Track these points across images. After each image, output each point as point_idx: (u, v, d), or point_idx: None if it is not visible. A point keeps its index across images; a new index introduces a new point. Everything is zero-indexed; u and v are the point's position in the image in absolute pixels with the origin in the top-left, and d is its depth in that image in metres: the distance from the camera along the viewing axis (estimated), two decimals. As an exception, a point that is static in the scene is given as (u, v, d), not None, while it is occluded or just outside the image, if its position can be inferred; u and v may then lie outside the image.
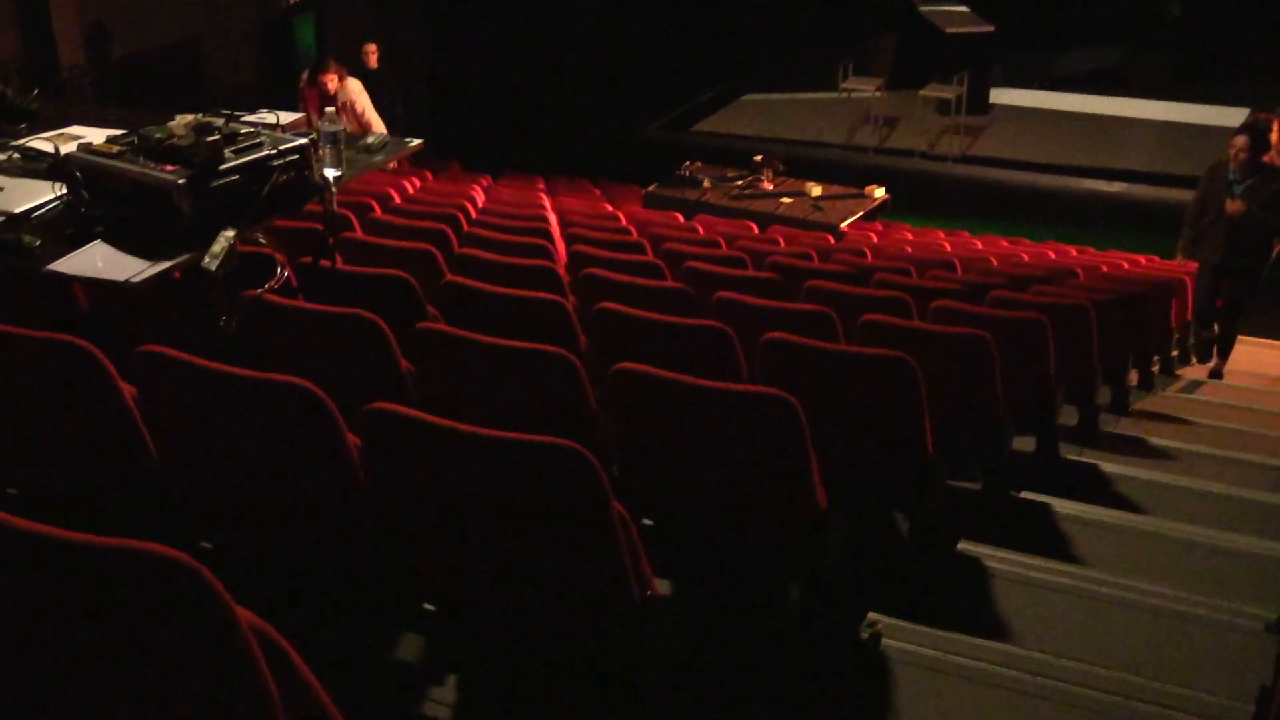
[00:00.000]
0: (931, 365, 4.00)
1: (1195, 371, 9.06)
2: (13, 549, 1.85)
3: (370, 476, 2.88)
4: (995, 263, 8.99)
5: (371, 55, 10.51)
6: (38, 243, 4.04)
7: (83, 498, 3.41)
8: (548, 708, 3.04)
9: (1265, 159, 8.42)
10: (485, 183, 11.43)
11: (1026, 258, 9.84)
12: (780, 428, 3.24)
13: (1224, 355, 8.99)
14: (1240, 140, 8.39)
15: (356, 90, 10.18)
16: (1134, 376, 7.89)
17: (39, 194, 4.36)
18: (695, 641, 3.34)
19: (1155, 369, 8.55)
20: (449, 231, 6.70)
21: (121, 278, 3.83)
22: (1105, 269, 9.45)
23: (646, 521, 3.58)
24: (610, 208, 10.35)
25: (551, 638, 2.98)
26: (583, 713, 3.00)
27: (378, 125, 9.98)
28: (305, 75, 10.28)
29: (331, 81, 9.93)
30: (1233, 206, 8.32)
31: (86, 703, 2.06)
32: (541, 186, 12.20)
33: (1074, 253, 10.68)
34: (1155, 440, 6.40)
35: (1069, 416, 6.21)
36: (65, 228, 4.16)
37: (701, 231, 9.12)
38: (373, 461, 2.84)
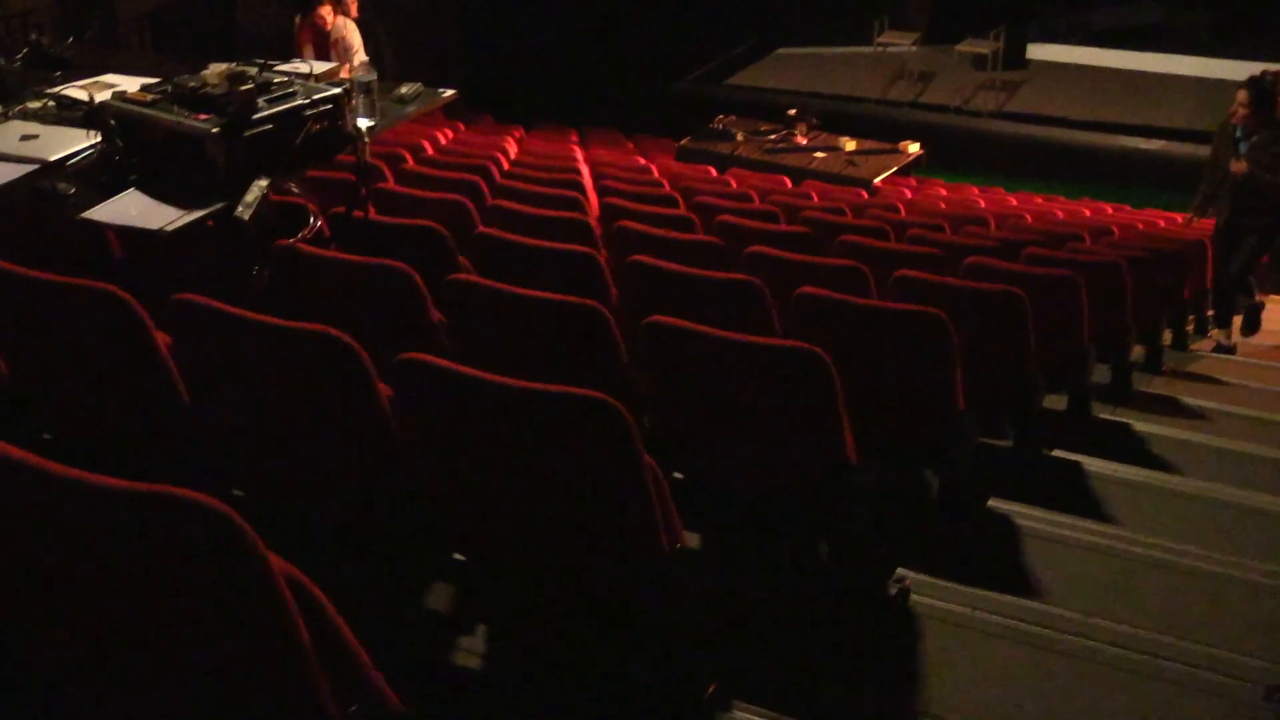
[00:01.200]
0: (964, 321, 3.98)
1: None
2: (48, 494, 1.86)
3: (401, 426, 2.88)
4: (1030, 220, 8.93)
5: (352, 4, 10.44)
6: (72, 190, 4.05)
7: (117, 444, 3.43)
8: (577, 658, 3.05)
9: None
10: (518, 134, 11.41)
11: (1061, 215, 9.76)
12: (811, 382, 3.23)
13: (1221, 323, 8.72)
14: (1241, 95, 8.02)
15: (350, 28, 10.13)
16: (1168, 336, 7.83)
17: (74, 142, 4.38)
18: (724, 595, 3.35)
19: (1190, 328, 8.49)
20: (481, 183, 6.68)
21: (155, 226, 3.84)
22: (1141, 227, 9.37)
23: (676, 475, 3.59)
24: (643, 161, 10.31)
25: (582, 588, 2.99)
26: (612, 663, 3.02)
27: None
28: (299, 18, 10.23)
29: (327, 15, 9.86)
30: (1236, 166, 8.04)
31: (121, 646, 2.08)
32: (574, 139, 12.16)
33: (1110, 210, 10.60)
34: (1188, 400, 6.36)
35: (1101, 375, 6.18)
36: (100, 176, 4.17)
37: (734, 185, 9.08)
38: (404, 411, 2.85)
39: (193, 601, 1.91)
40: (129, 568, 1.92)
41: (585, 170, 8.79)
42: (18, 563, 2.04)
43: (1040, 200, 10.93)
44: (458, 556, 3.25)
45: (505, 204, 5.98)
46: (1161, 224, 9.89)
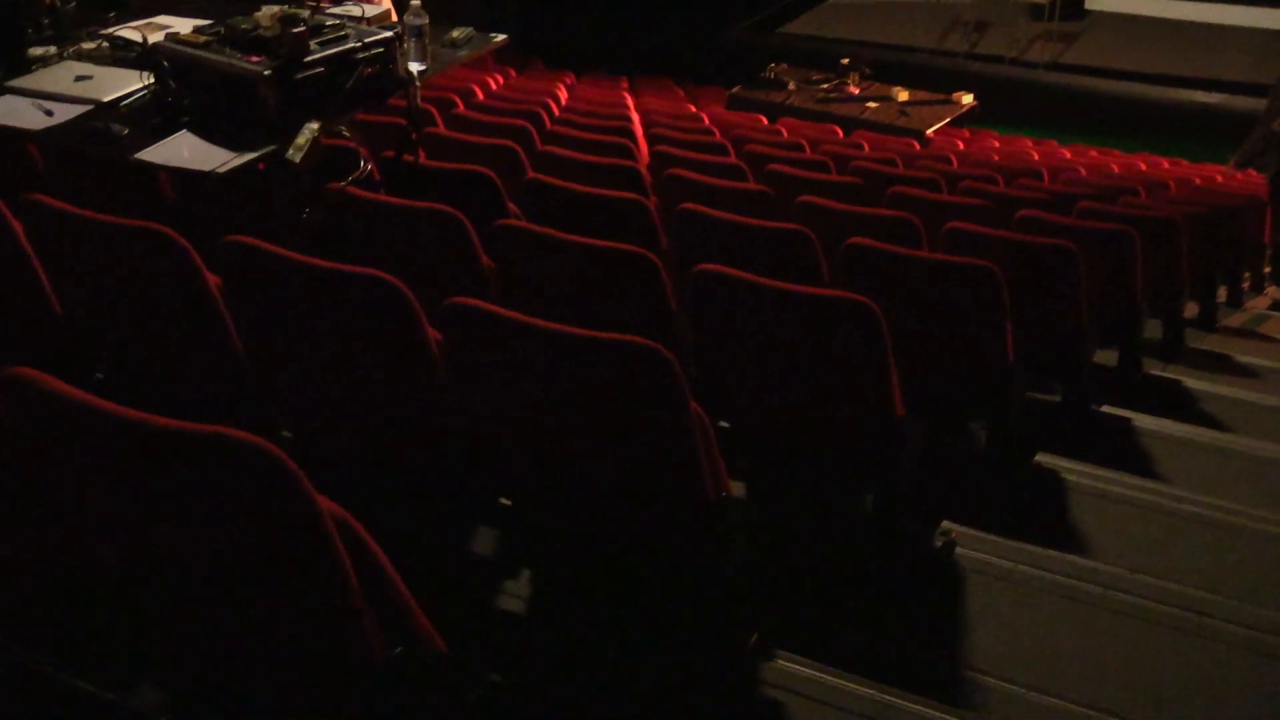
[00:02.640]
0: (1015, 275, 3.95)
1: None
2: (101, 433, 1.88)
3: (450, 371, 2.89)
4: (1084, 173, 8.83)
5: None
6: (125, 131, 4.07)
7: (168, 385, 3.46)
8: (621, 604, 3.06)
9: None
10: (569, 81, 11.37)
11: (1116, 169, 9.65)
12: (860, 333, 3.22)
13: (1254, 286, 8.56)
14: None
15: None
16: (1223, 292, 7.74)
17: (127, 83, 4.39)
18: (768, 545, 3.35)
19: (1246, 285, 8.38)
20: (532, 129, 6.67)
21: (206, 168, 3.86)
22: (1199, 182, 9.24)
23: (723, 424, 3.58)
24: (694, 109, 10.26)
25: (627, 534, 3.00)
26: (656, 611, 3.03)
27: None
28: None
29: None
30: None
31: (170, 585, 2.11)
32: (625, 86, 12.11)
33: (1166, 165, 10.46)
34: (1241, 357, 6.29)
35: (1154, 331, 6.11)
36: (152, 117, 4.18)
37: (785, 135, 9.02)
38: (453, 356, 2.86)
39: (241, 541, 1.93)
40: (179, 507, 1.93)
41: (636, 118, 8.76)
42: (71, 501, 2.07)
43: (1095, 154, 10.79)
44: (504, 501, 3.26)
45: (556, 150, 5.97)
46: (1219, 179, 9.76)
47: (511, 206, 4.75)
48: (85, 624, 2.36)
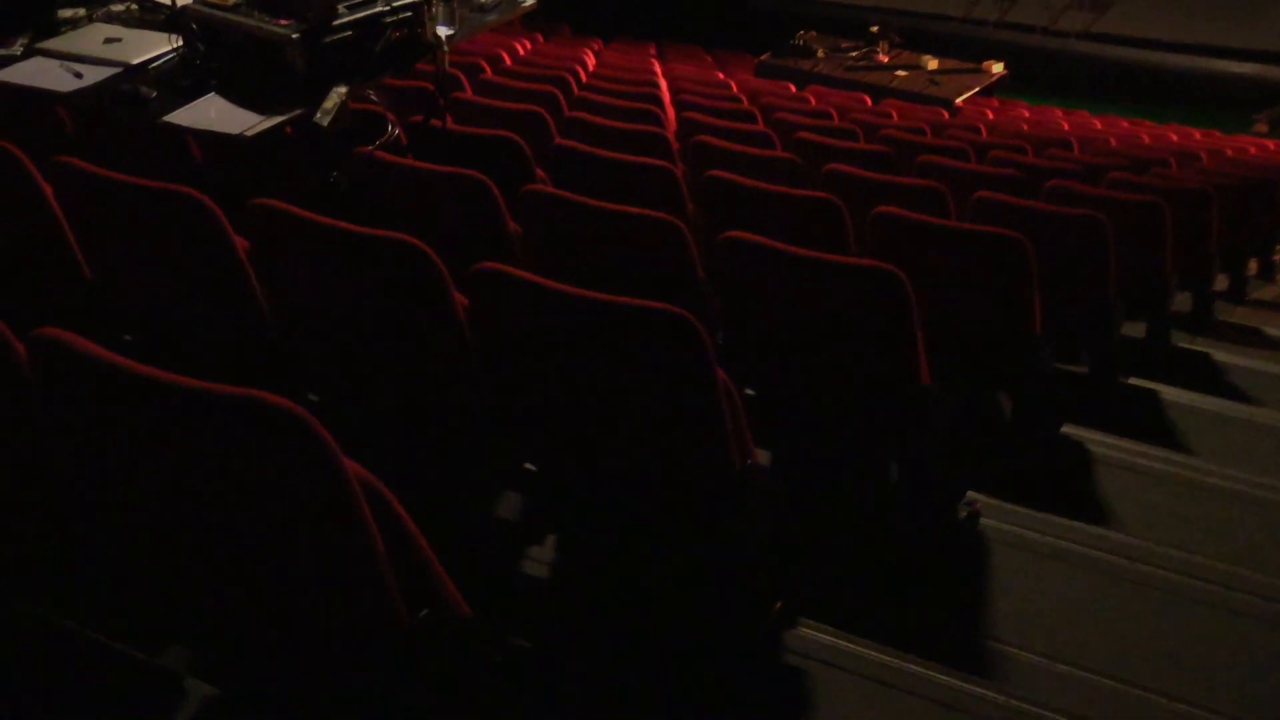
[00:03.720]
0: (1043, 245, 3.93)
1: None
2: (131, 394, 1.89)
3: (476, 336, 2.89)
4: (1114, 144, 8.77)
5: None
6: (154, 94, 4.08)
7: (196, 347, 3.48)
8: (645, 571, 3.07)
9: None
10: (596, 46, 11.34)
11: (1147, 140, 9.58)
12: (887, 302, 3.21)
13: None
14: None
15: None
16: (1253, 265, 7.69)
17: (156, 46, 4.40)
18: (793, 513, 3.35)
19: (1277, 258, 8.32)
20: (559, 94, 6.65)
21: (235, 131, 3.87)
22: (1230, 153, 9.17)
23: (749, 392, 3.58)
24: (722, 76, 10.22)
25: (651, 501, 3.00)
26: (680, 578, 3.03)
27: None
28: None
29: None
30: None
31: (196, 547, 2.12)
32: (653, 52, 12.07)
33: (1198, 136, 10.38)
34: (1271, 330, 6.25)
35: (1183, 303, 6.08)
36: (181, 80, 4.19)
37: (813, 102, 8.98)
38: (479, 321, 2.86)
39: (269, 503, 1.93)
40: (208, 469, 1.94)
41: (663, 84, 8.73)
42: (99, 462, 2.08)
43: (1126, 125, 10.72)
44: (529, 466, 3.27)
45: (583, 116, 5.95)
46: (1252, 151, 9.68)
47: (539, 172, 4.75)
48: (114, 585, 2.38)
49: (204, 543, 2.11)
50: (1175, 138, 10.06)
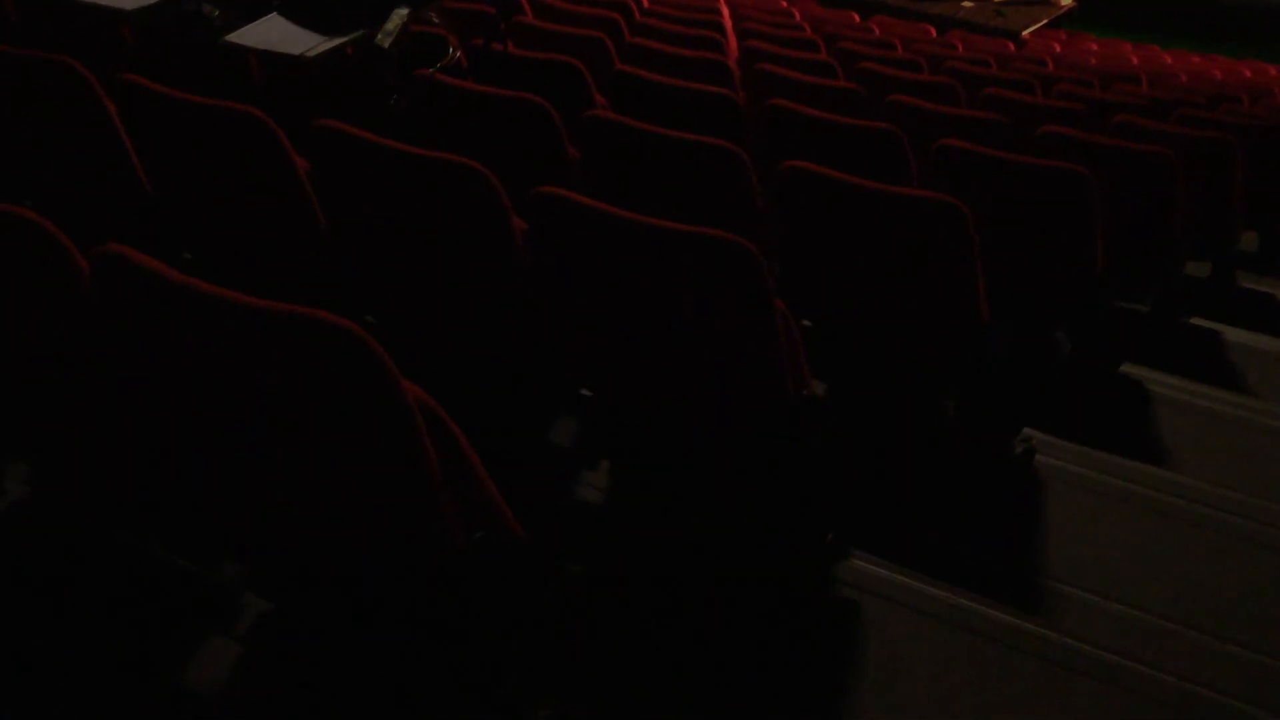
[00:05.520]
0: (1108, 181, 3.87)
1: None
2: (194, 311, 1.90)
3: (534, 260, 2.89)
4: (1185, 79, 8.61)
5: None
6: (216, 14, 4.08)
7: (255, 267, 3.50)
8: (698, 498, 3.08)
9: None
10: (659, -27, 11.21)
11: (1219, 75, 9.40)
12: (948, 236, 3.18)
13: None
14: None
15: None
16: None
17: (218, -36, 4.39)
18: (848, 445, 3.34)
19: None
20: (621, 20, 6.60)
21: (296, 51, 3.86)
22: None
23: (806, 322, 3.56)
24: (785, 4, 10.11)
25: (707, 429, 3.00)
26: (733, 506, 3.04)
27: None
28: None
29: None
30: None
31: (254, 465, 2.14)
32: (715, -21, 11.93)
33: (1273, 73, 10.17)
34: (1340, 272, 6.15)
35: (1249, 242, 5.99)
36: (243, 0, 4.18)
37: (878, 33, 8.88)
38: (538, 245, 2.85)
39: (326, 422, 1.95)
40: (265, 387, 1.95)
41: (725, 12, 8.64)
42: (159, 379, 2.10)
43: (1197, 60, 10.52)
44: (585, 392, 3.27)
45: (644, 42, 5.91)
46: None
47: (599, 98, 4.72)
48: (174, 503, 2.41)
49: (262, 461, 2.12)
50: (1249, 74, 9.86)
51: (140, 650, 2.34)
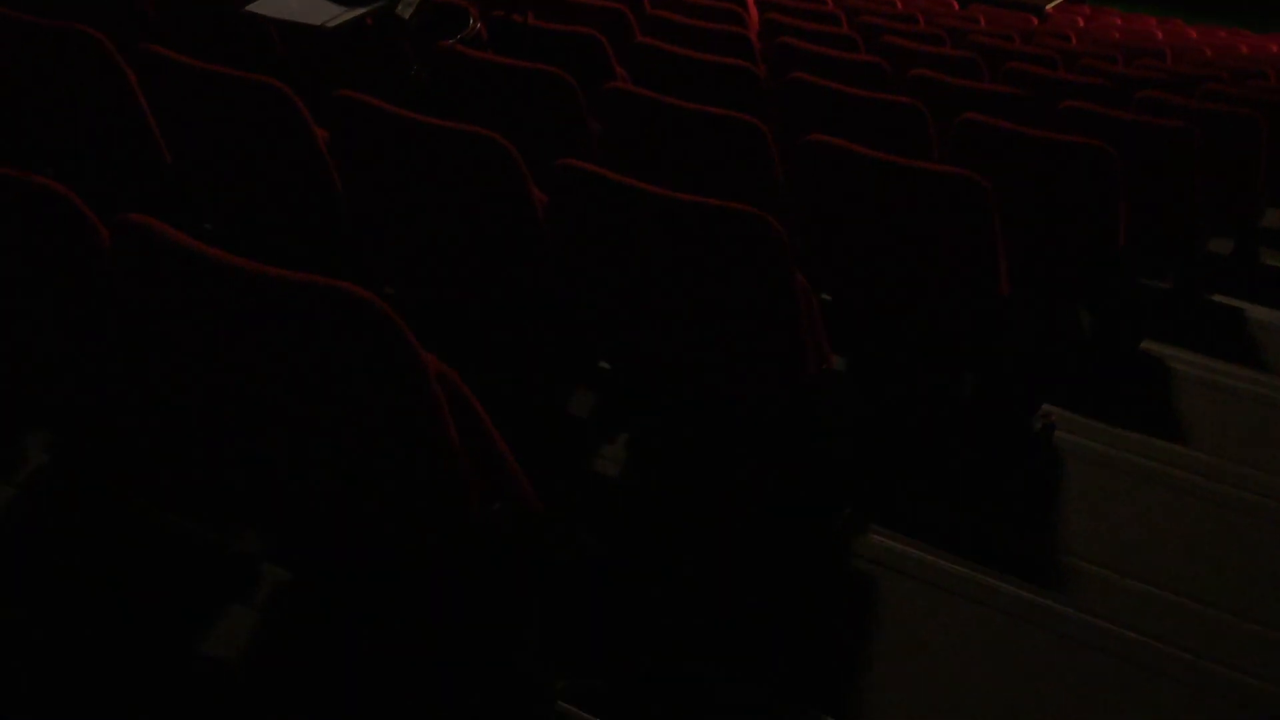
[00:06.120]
0: (1131, 156, 3.85)
1: None
2: (214, 281, 1.90)
3: (554, 232, 2.89)
4: (1210, 54, 8.55)
5: None
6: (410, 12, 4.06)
7: (274, 237, 3.50)
8: (716, 472, 3.08)
9: None
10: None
11: (1245, 50, 9.33)
12: (970, 210, 3.16)
13: None
14: None
15: None
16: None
17: (239, -66, 4.38)
18: (866, 420, 3.34)
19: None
20: (641, -9, 6.58)
21: (316, 21, 3.85)
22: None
23: (826, 296, 3.56)
24: (806, -24, 10.05)
25: (726, 403, 3.00)
26: (750, 481, 3.04)
27: None
28: None
29: None
30: None
31: (274, 434, 2.14)
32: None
33: (1297, 48, 10.10)
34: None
35: (1274, 219, 5.95)
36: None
37: (900, 6, 8.83)
38: (558, 217, 2.85)
39: (345, 393, 1.95)
40: (284, 357, 1.96)
41: (747, -16, 8.60)
42: (179, 348, 2.10)
43: (1224, 34, 10.44)
44: (603, 365, 3.27)
45: (665, 14, 5.89)
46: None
47: (619, 70, 4.70)
48: (193, 471, 2.42)
49: (281, 431, 2.13)
50: (1275, 49, 9.79)
51: (158, 618, 2.35)
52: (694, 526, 2.91)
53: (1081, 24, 9.73)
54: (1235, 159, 4.96)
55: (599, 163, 2.72)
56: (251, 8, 3.99)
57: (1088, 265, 4.01)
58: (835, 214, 3.45)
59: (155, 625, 2.34)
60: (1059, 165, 3.85)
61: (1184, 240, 4.65)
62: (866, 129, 3.93)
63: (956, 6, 9.62)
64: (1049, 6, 10.30)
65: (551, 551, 2.36)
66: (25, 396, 2.54)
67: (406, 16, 3.86)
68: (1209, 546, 3.18)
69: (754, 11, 7.26)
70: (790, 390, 2.74)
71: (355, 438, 2.03)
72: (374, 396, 1.93)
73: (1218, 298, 4.85)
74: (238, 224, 3.59)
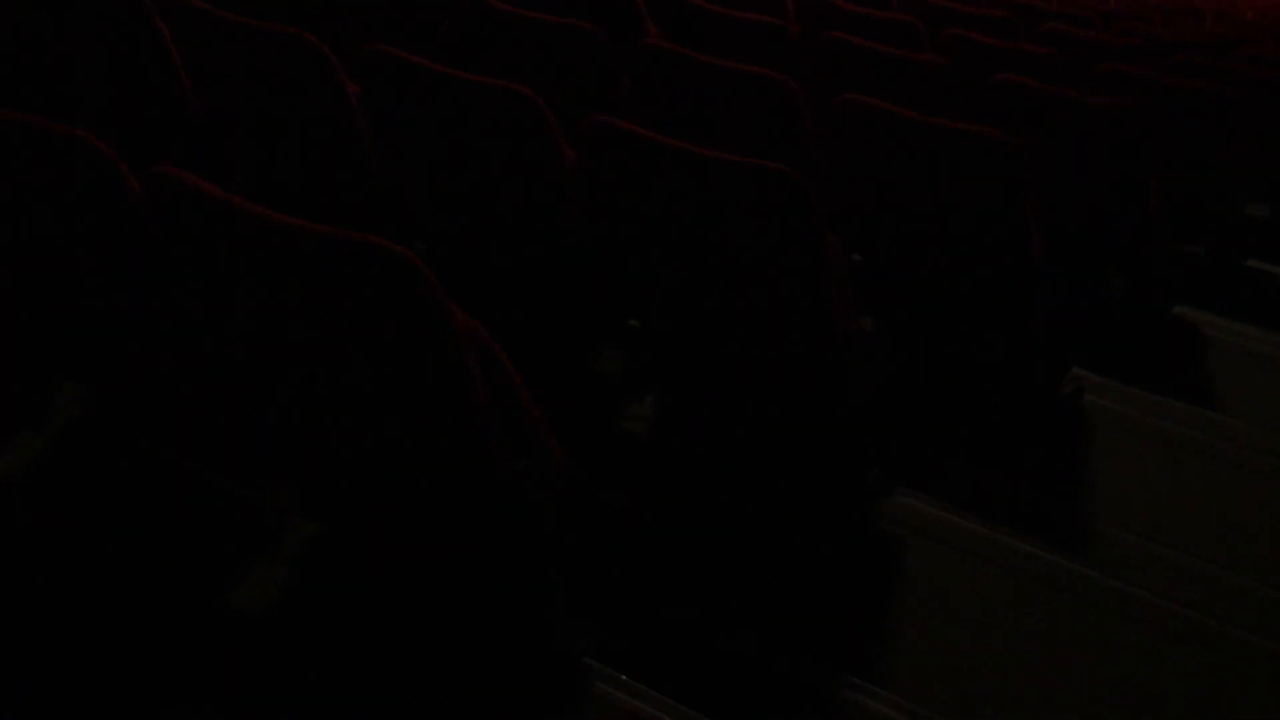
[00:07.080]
0: (1166, 119, 3.82)
1: None
2: (242, 233, 1.90)
3: (584, 189, 2.88)
4: (1251, 16, 8.45)
5: None
6: None
7: (303, 191, 3.50)
8: (744, 432, 3.07)
9: None
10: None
11: (1284, 13, 9.22)
12: (1003, 172, 3.14)
13: None
14: None
15: None
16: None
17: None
18: (895, 381, 3.33)
19: None
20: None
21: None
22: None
23: (856, 257, 3.54)
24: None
25: (754, 362, 2.99)
26: (778, 441, 3.03)
27: None
28: None
29: None
30: None
31: (306, 390, 2.15)
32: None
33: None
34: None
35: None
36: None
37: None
38: (588, 174, 2.84)
39: (375, 345, 1.95)
40: (316, 311, 1.96)
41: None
42: (210, 302, 2.10)
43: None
44: (632, 322, 3.27)
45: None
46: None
47: (650, 26, 4.67)
48: (222, 425, 2.43)
49: (310, 383, 2.13)
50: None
51: (188, 569, 2.37)
52: (719, 487, 2.91)
53: (1119, -17, 9.61)
54: (1272, 122, 4.90)
55: (629, 119, 2.71)
56: (283, -40, 3.97)
57: (1121, 228, 3.98)
58: (868, 173, 3.43)
59: (185, 576, 2.36)
60: (1093, 126, 3.82)
61: (1219, 204, 4.61)
62: (900, 88, 3.90)
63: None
64: (1086, -34, 10.16)
65: (580, 511, 2.36)
66: (57, 349, 2.55)
67: (438, -30, 3.84)
68: (1239, 514, 3.16)
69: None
70: (819, 350, 2.73)
71: (384, 390, 2.03)
72: (404, 350, 1.92)
73: (1252, 262, 4.80)
74: (268, 178, 3.59)
